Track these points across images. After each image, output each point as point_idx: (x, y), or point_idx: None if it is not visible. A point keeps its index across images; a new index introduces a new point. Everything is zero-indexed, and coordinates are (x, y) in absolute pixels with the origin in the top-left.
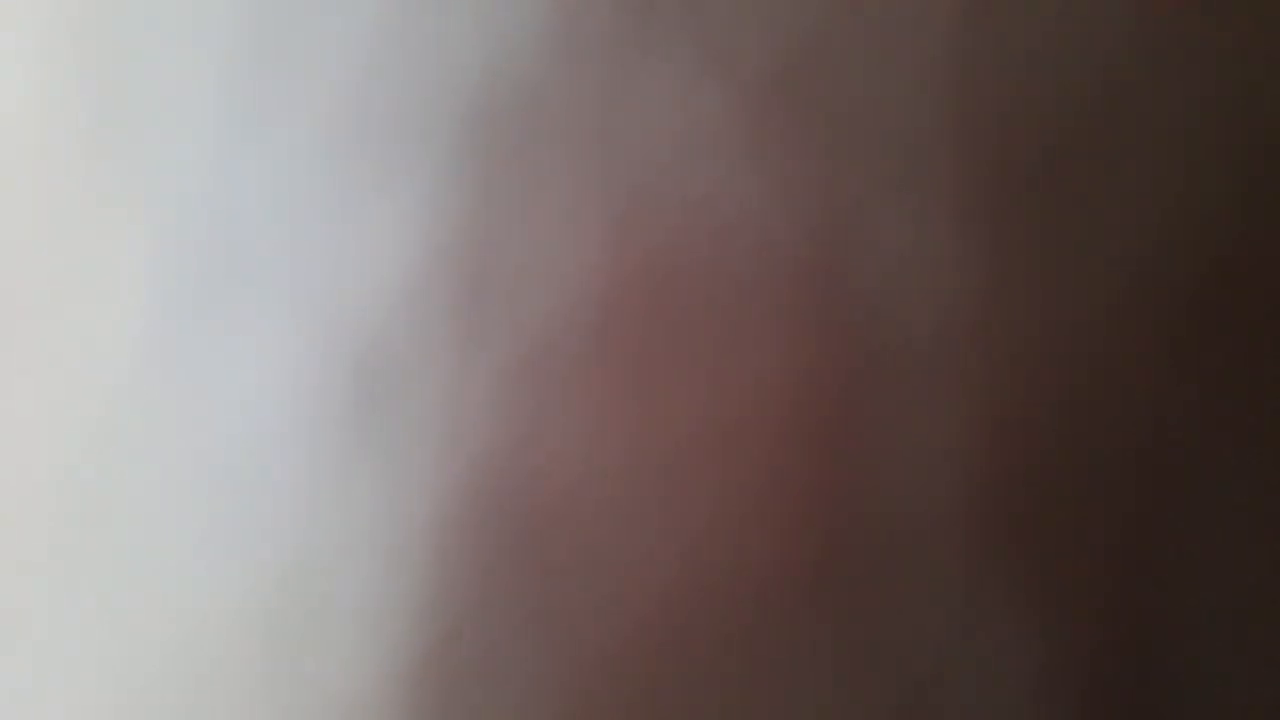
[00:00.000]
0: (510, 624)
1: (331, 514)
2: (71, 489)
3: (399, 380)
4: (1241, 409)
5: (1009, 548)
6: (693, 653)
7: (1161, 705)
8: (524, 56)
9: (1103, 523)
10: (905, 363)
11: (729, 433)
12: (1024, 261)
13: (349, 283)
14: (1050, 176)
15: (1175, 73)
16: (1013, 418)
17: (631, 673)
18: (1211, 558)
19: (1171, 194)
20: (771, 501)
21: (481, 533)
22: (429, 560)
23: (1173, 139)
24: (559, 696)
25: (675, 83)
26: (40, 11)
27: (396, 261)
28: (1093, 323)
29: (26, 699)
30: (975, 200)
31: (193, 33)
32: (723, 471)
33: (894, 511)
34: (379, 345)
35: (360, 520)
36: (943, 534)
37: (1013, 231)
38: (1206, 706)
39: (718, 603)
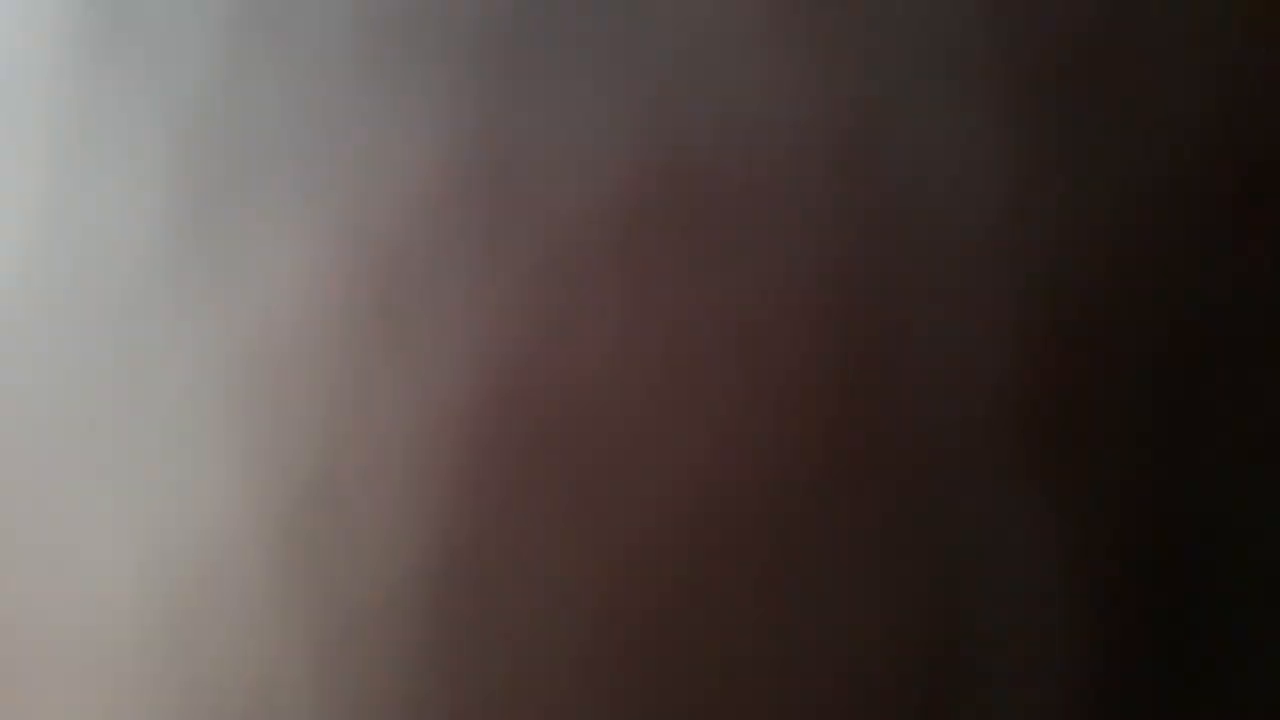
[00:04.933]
0: (537, 526)
1: (356, 419)
2: (90, 403)
3: (421, 287)
4: (1278, 310)
5: (1041, 442)
6: (723, 549)
7: (1188, 593)
8: None
9: (1134, 419)
10: (938, 259)
11: (758, 331)
12: (1061, 157)
13: (369, 190)
14: (1089, 69)
15: None
16: (1046, 316)
17: (663, 571)
18: (1241, 456)
19: (1212, 89)
20: (802, 398)
21: (507, 436)
22: (455, 464)
23: (1213, 35)
24: (587, 597)
25: None
26: None
27: (417, 168)
28: (1129, 221)
29: (42, 604)
30: (1012, 94)
31: None
32: (752, 369)
33: (926, 404)
34: (401, 252)
35: (385, 425)
36: (974, 428)
37: (1050, 127)
38: (1231, 595)
39: (748, 500)
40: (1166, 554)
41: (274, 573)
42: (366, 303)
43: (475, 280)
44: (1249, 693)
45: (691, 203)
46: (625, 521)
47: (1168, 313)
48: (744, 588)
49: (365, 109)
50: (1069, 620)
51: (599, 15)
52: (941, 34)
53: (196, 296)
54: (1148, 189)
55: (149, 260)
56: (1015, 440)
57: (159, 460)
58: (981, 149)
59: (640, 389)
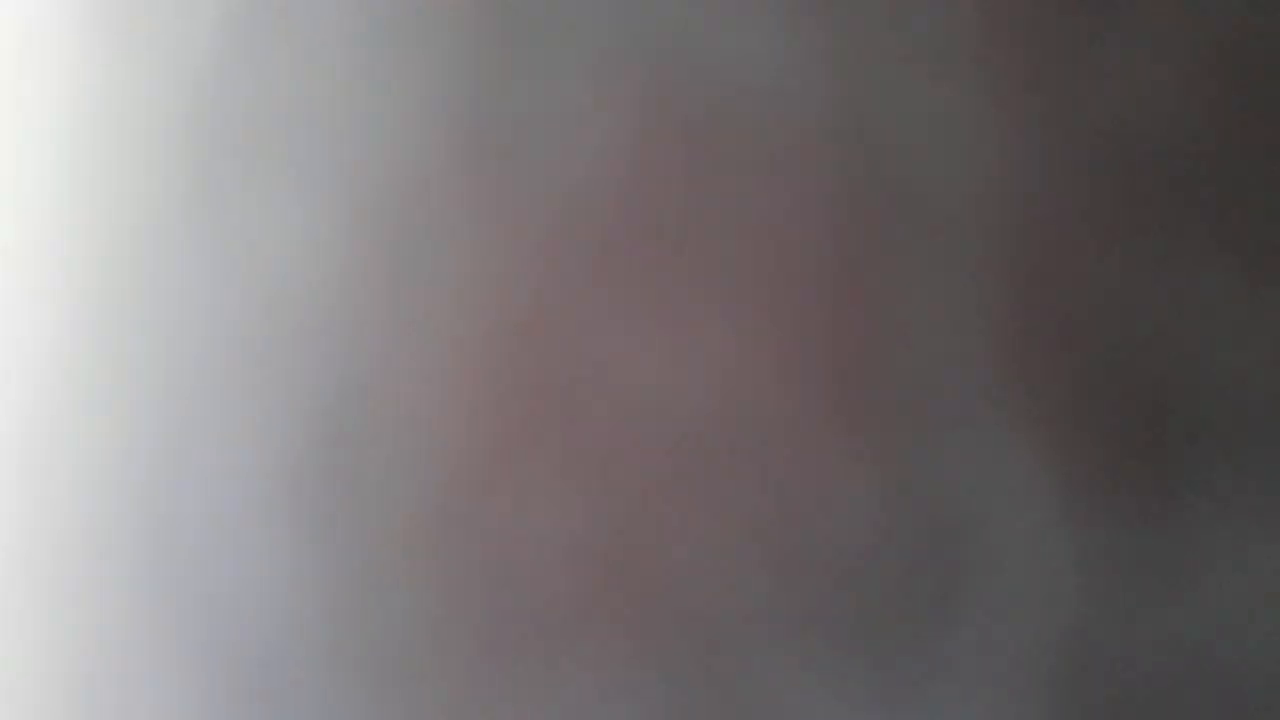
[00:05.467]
0: (544, 471)
1: (367, 368)
2: (108, 354)
3: (430, 244)
4: (1257, 256)
5: (1030, 388)
6: (723, 487)
7: (1178, 530)
8: None
9: (1120, 361)
10: (929, 216)
11: (757, 284)
12: (1046, 120)
13: (377, 151)
14: (1075, 36)
15: None
16: (1033, 266)
17: (663, 505)
18: (1223, 394)
19: (1196, 60)
20: (799, 342)
21: (514, 387)
22: (464, 412)
23: (1198, 12)
24: (595, 533)
25: None
26: None
27: (425, 130)
28: (1114, 179)
29: (74, 517)
30: (1000, 60)
31: None
32: (750, 319)
33: (918, 354)
34: (410, 212)
35: (395, 373)
36: (967, 375)
37: (1037, 90)
38: (1218, 526)
39: (748, 436)
40: (1151, 490)
41: (288, 511)
42: (377, 261)
43: (482, 239)
44: (1210, 555)
45: (691, 170)
46: (628, 460)
47: (1149, 261)
48: (746, 516)
49: (371, 77)
50: (1051, 505)
51: None
52: (934, 6)
53: (213, 251)
54: (1129, 148)
55: (168, 217)
56: (1005, 380)
57: (179, 409)
58: (969, 111)
59: (644, 337)
